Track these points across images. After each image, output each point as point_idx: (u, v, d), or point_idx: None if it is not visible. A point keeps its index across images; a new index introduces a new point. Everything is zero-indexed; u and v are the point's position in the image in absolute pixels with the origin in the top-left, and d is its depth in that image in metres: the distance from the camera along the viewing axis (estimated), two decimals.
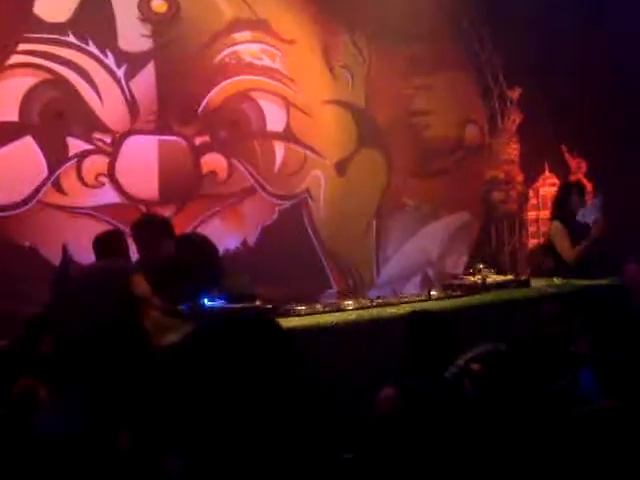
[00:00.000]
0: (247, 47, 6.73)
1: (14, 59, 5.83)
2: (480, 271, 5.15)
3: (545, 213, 7.69)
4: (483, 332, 4.03)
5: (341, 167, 7.16)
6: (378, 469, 2.17)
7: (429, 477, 2.36)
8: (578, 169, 7.96)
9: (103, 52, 6.09)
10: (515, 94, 7.87)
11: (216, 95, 6.54)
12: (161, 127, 6.32)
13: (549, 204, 7.75)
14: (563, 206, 5.61)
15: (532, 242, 7.78)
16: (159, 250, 4.64)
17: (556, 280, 5.31)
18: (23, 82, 5.85)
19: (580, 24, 7.24)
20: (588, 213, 5.47)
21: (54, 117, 5.94)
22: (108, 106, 6.12)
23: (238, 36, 6.68)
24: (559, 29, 7.15)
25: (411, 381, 3.17)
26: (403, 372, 3.28)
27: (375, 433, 2.96)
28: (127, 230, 5.50)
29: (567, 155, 7.93)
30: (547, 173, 8.00)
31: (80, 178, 6.04)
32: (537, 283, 5.30)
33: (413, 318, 3.44)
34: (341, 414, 3.33)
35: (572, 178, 7.64)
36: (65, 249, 3.00)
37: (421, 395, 3.10)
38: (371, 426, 3.01)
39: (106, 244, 4.76)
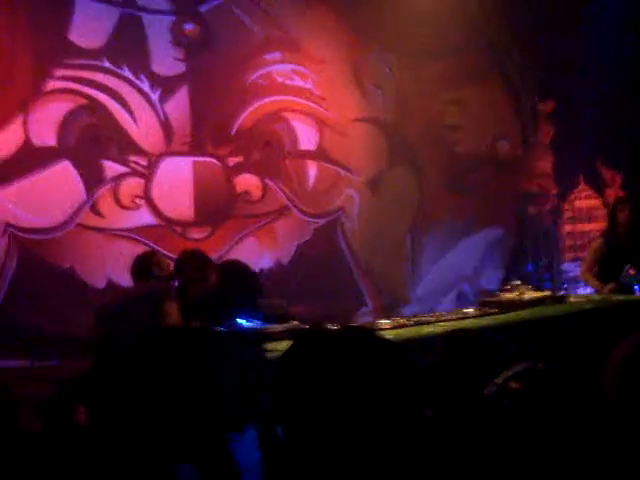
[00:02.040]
0: (278, 68, 6.79)
1: (51, 85, 5.95)
2: (517, 287, 5.12)
3: (581, 226, 7.63)
4: (521, 349, 4.01)
5: (374, 184, 7.17)
6: None
7: None
8: (613, 181, 7.88)
9: (137, 76, 6.19)
10: (548, 107, 7.83)
11: (249, 116, 6.60)
12: (195, 149, 6.40)
13: (584, 217, 7.71)
14: (610, 221, 5.63)
15: (568, 256, 7.70)
16: (204, 283, 4.74)
17: (594, 296, 5.27)
18: (60, 107, 5.96)
19: (615, 34, 7.20)
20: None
21: (91, 141, 6.04)
22: (143, 129, 6.21)
23: (269, 57, 6.74)
24: (592, 41, 7.12)
25: (450, 402, 3.16)
26: (441, 391, 3.26)
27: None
28: (164, 251, 5.62)
29: (602, 168, 7.85)
30: (582, 186, 7.93)
31: (117, 200, 6.13)
32: (574, 299, 5.26)
33: (452, 337, 3.42)
34: None
35: (607, 191, 7.58)
36: None
37: (461, 415, 3.08)
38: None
39: (141, 267, 4.85)
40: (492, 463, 2.77)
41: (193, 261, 4.96)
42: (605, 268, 5.56)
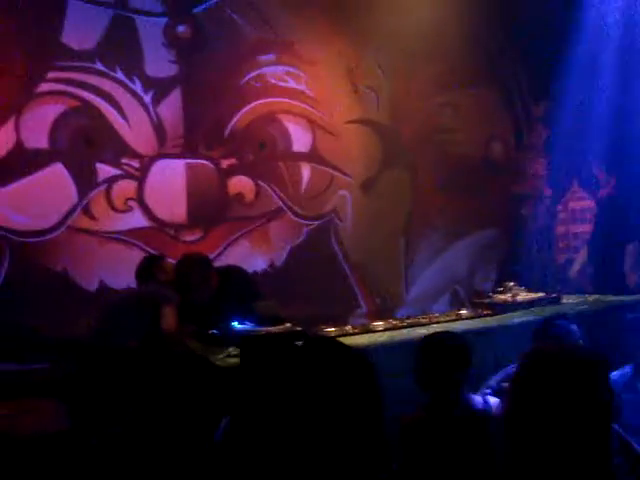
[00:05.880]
0: (272, 69, 6.78)
1: (43, 87, 5.92)
2: (510, 289, 5.11)
3: (575, 227, 7.63)
4: (514, 351, 3.99)
5: (368, 186, 7.16)
6: None
7: None
8: (607, 183, 7.88)
9: (130, 78, 6.17)
10: (540, 109, 7.83)
11: (242, 118, 6.59)
12: (188, 151, 6.38)
13: (578, 219, 7.71)
14: None
15: (562, 257, 7.70)
16: (207, 289, 4.73)
17: (588, 296, 5.26)
18: (52, 109, 5.94)
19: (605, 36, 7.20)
20: None
21: (83, 143, 6.02)
22: (136, 131, 6.19)
23: (262, 59, 6.73)
24: (585, 43, 7.12)
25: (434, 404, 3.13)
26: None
27: (408, 455, 2.95)
28: (159, 254, 5.60)
29: (596, 169, 7.86)
30: (576, 187, 7.93)
31: (109, 203, 6.11)
32: (568, 299, 5.25)
33: (424, 341, 3.34)
34: None
35: (601, 192, 7.58)
36: None
37: (447, 415, 3.07)
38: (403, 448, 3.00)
39: (144, 270, 4.89)
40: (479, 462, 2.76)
41: (197, 267, 4.93)
42: None
